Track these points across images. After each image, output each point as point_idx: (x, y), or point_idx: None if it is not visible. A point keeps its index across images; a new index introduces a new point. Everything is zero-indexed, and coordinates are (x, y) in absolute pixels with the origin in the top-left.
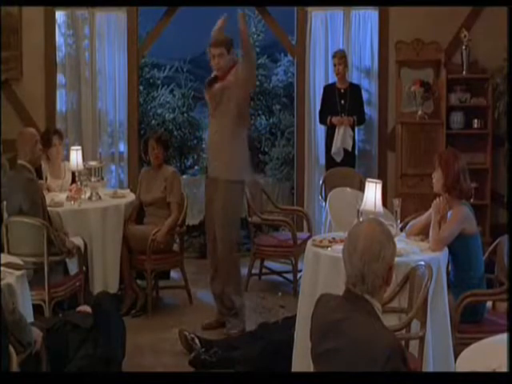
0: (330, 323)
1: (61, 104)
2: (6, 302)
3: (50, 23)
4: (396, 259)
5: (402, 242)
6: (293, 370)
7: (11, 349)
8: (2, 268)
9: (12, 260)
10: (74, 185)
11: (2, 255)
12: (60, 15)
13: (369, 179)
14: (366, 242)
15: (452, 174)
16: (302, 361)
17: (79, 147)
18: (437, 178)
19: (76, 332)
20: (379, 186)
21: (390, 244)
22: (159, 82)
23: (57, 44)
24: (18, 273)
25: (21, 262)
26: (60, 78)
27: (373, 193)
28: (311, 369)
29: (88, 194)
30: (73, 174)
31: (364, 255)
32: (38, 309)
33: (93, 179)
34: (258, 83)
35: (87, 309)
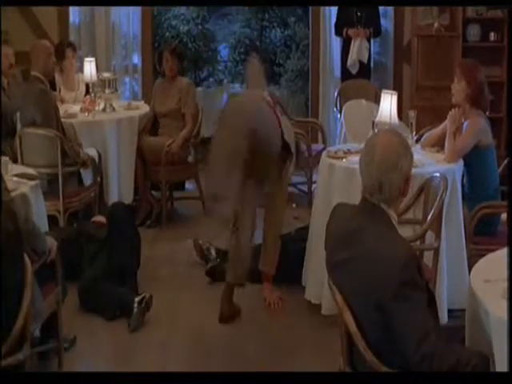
0: (346, 232)
1: (74, 16)
2: (19, 211)
3: None
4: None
5: (417, 154)
6: (304, 281)
7: (26, 258)
8: (15, 178)
9: (26, 171)
10: (87, 96)
11: (15, 166)
12: None
13: (384, 90)
14: (383, 151)
15: (476, 83)
16: (314, 271)
17: (93, 59)
18: (458, 89)
19: (91, 242)
20: (395, 98)
21: (407, 154)
22: None
23: None
24: (32, 183)
25: (35, 173)
26: None
27: (388, 104)
28: (324, 280)
29: (102, 106)
30: (86, 86)
31: (382, 165)
32: (52, 219)
33: (107, 91)
34: None
35: (102, 219)
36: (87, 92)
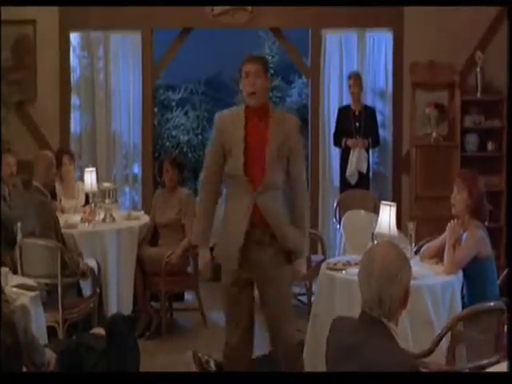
0: (347, 347)
1: (75, 125)
2: (18, 323)
3: (64, 44)
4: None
5: (416, 265)
6: None
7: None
8: (15, 289)
9: (26, 281)
10: (87, 206)
11: (15, 277)
12: (74, 36)
13: (383, 202)
14: (382, 265)
15: (477, 194)
16: None
17: (93, 169)
18: (459, 199)
19: (90, 354)
20: (394, 209)
21: (406, 267)
22: (174, 103)
23: (71, 65)
24: (32, 294)
25: (34, 284)
26: (74, 100)
27: (387, 216)
28: None
29: (102, 216)
30: (86, 195)
31: (381, 279)
32: (51, 330)
33: (107, 201)
34: (272, 105)
35: (101, 331)
36: (87, 201)
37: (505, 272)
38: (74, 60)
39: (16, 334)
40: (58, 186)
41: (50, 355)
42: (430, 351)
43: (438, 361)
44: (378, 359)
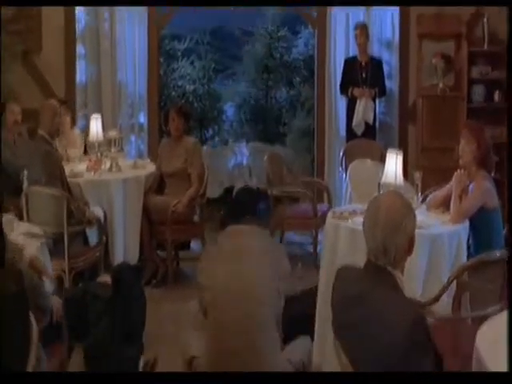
0: (352, 296)
1: (80, 75)
2: (24, 269)
3: None
4: (416, 231)
5: (422, 215)
6: (314, 344)
7: (32, 318)
8: (22, 236)
9: (32, 229)
10: (93, 155)
11: (21, 224)
12: None
13: (390, 150)
14: (387, 214)
15: (485, 145)
16: (323, 333)
17: (99, 115)
18: (466, 150)
19: (96, 302)
20: (400, 158)
21: (410, 214)
22: (179, 53)
23: (76, 15)
24: (39, 242)
25: (41, 231)
26: (79, 49)
27: (393, 164)
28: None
29: (108, 165)
30: (85, 144)
31: (386, 227)
32: (58, 279)
33: (112, 150)
34: (278, 55)
35: (107, 279)
36: (85, 150)
37: None
38: (78, 10)
39: (22, 282)
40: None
41: (56, 301)
42: (436, 300)
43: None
44: (382, 308)
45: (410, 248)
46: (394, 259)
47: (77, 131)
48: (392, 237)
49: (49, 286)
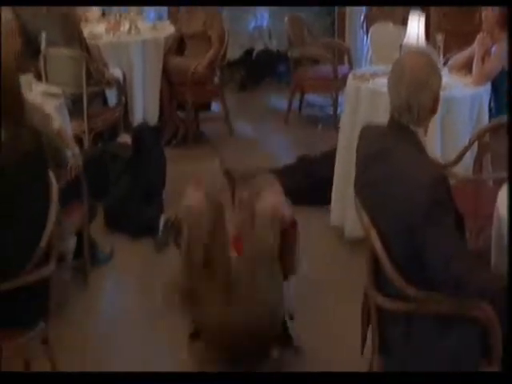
0: (374, 153)
1: None
2: (43, 126)
3: None
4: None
5: (444, 77)
6: (332, 206)
7: (51, 175)
8: (40, 96)
9: (51, 89)
10: (112, 16)
11: (40, 84)
12: None
13: (412, 11)
14: (412, 71)
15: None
16: (339, 194)
17: None
18: (490, 13)
19: (115, 162)
20: (422, 19)
21: (435, 73)
22: None
23: None
24: (57, 101)
25: (60, 91)
26: None
27: (416, 26)
28: (348, 200)
29: (127, 27)
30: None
31: (411, 84)
32: (77, 140)
33: (131, 12)
34: None
35: (127, 138)
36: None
37: None
38: None
39: (40, 138)
40: None
41: (76, 158)
42: (457, 161)
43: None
44: (404, 166)
45: (434, 107)
46: (417, 117)
47: None
48: (416, 94)
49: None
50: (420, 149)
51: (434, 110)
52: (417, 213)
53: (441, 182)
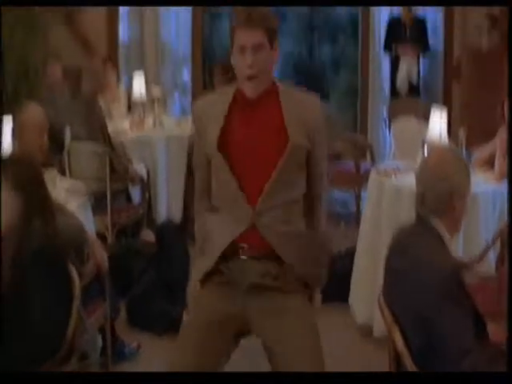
0: (397, 244)
1: (123, 32)
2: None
3: None
4: None
5: None
6: (350, 300)
7: (74, 272)
8: (64, 192)
9: (75, 184)
10: (136, 112)
11: (64, 179)
12: None
13: (434, 106)
14: (434, 164)
15: None
16: (359, 290)
17: (142, 72)
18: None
19: (139, 259)
20: (444, 115)
21: (461, 169)
22: (224, 12)
23: None
24: (81, 198)
25: (84, 187)
26: (122, 8)
27: (438, 122)
28: (369, 299)
29: (151, 123)
30: (129, 100)
31: (430, 173)
32: (100, 236)
33: (156, 108)
34: (323, 12)
35: (150, 235)
36: (129, 107)
37: None
38: None
39: (59, 235)
40: (104, 92)
41: (101, 257)
42: (480, 259)
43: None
44: (420, 257)
45: (452, 201)
46: (434, 209)
47: (121, 88)
48: (433, 185)
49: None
50: (438, 242)
51: (453, 206)
52: (429, 304)
53: (453, 275)
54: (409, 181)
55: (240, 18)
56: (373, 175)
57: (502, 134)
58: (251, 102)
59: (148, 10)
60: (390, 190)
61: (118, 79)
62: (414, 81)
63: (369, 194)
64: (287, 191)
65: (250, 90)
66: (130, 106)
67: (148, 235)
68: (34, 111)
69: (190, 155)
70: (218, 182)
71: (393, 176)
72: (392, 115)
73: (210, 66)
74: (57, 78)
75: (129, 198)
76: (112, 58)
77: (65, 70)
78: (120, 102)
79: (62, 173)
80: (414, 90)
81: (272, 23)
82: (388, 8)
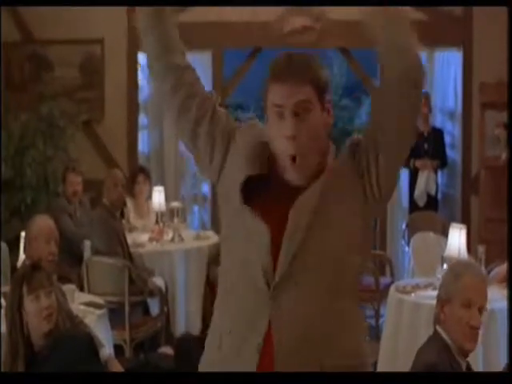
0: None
1: (143, 144)
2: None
3: (132, 63)
4: None
5: None
6: None
7: None
8: (82, 307)
9: (93, 299)
10: (156, 226)
11: (82, 294)
12: (143, 56)
13: (453, 224)
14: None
15: None
16: None
17: (161, 188)
18: None
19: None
20: (463, 232)
21: None
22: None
23: (139, 84)
24: (99, 312)
25: (102, 301)
26: (142, 119)
27: (457, 238)
28: None
29: (170, 236)
30: (156, 214)
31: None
32: (118, 349)
33: (175, 220)
34: (340, 125)
35: (169, 350)
36: (157, 220)
37: None
38: (142, 79)
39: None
40: (129, 204)
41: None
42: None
43: None
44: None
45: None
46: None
47: (150, 202)
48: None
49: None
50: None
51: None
52: None
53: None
54: (428, 296)
55: (277, 69)
56: (392, 292)
57: None
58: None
59: (167, 122)
60: (409, 306)
61: (150, 191)
62: (433, 192)
63: (388, 310)
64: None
65: (294, 176)
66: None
67: (167, 349)
68: (41, 221)
69: (209, 266)
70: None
71: (412, 293)
72: (411, 229)
73: None
74: (77, 189)
75: (147, 311)
76: (144, 169)
77: (85, 181)
78: (145, 214)
79: (81, 286)
80: (432, 202)
81: (321, 74)
82: None
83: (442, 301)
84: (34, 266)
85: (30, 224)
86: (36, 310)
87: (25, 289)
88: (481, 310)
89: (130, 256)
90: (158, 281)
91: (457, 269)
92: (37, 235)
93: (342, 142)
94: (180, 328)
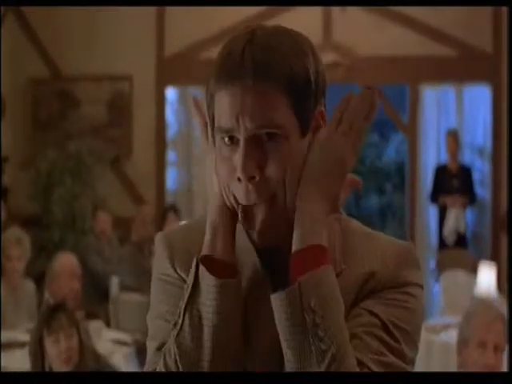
0: None
1: (171, 181)
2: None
3: (160, 100)
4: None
5: None
6: None
7: None
8: (109, 344)
9: (120, 336)
10: None
11: (109, 331)
12: (171, 92)
13: (483, 262)
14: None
15: None
16: None
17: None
18: None
19: None
20: (493, 270)
21: None
22: None
23: (168, 121)
24: (127, 349)
25: (129, 339)
26: (170, 155)
27: (487, 276)
28: None
29: None
30: None
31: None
32: None
33: None
34: (368, 161)
35: None
36: None
37: None
38: (170, 115)
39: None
40: None
41: None
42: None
43: None
44: None
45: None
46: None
47: None
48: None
49: None
50: None
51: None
52: None
53: None
54: None
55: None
56: (422, 331)
57: None
58: None
59: (196, 159)
60: (439, 346)
61: None
62: (462, 230)
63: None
64: None
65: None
66: None
67: None
68: (64, 258)
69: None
70: None
71: (442, 332)
72: (440, 268)
73: None
74: (105, 227)
75: None
76: (175, 206)
77: (114, 219)
78: None
79: (108, 323)
80: (461, 240)
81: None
82: (435, 155)
83: (460, 345)
84: (56, 307)
85: (53, 262)
86: (56, 353)
87: (45, 331)
88: (497, 349)
89: None
90: None
91: (470, 310)
92: (59, 273)
93: (369, 179)
94: None
